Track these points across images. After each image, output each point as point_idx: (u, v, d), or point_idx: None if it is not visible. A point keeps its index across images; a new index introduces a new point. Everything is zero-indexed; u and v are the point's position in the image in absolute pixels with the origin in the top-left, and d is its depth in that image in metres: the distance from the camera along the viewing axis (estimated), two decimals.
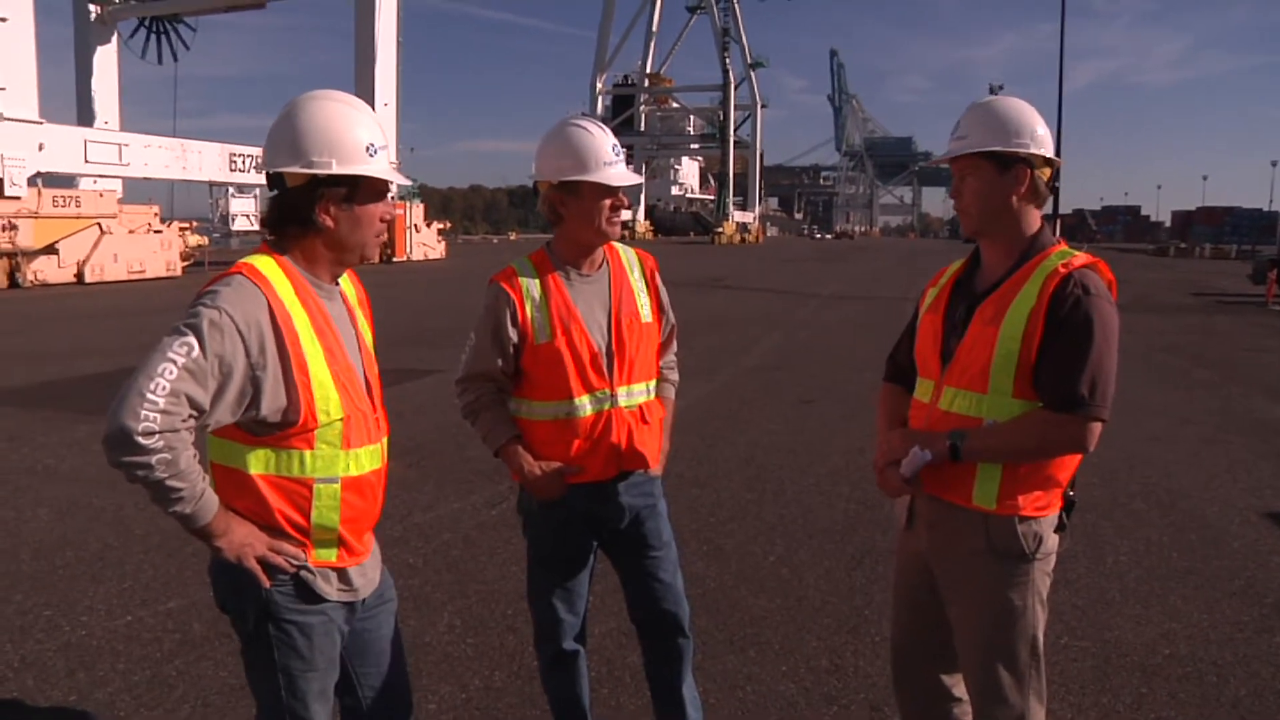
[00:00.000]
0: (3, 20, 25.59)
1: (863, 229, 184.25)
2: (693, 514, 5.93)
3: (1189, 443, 8.22)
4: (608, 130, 2.80)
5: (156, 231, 29.42)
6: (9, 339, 14.57)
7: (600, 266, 2.88)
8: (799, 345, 14.24)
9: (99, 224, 27.01)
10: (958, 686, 2.64)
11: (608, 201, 2.74)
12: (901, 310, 2.74)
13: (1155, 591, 4.80)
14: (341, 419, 2.09)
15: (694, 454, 7.38)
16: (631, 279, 2.93)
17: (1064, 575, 4.94)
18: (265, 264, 2.07)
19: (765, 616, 4.46)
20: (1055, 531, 2.43)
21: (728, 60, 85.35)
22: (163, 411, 1.87)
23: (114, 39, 38.92)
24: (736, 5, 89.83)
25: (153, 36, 42.04)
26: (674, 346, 3.12)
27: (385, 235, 2.26)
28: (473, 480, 6.64)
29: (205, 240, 37.30)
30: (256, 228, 42.90)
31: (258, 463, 2.05)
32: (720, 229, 79.92)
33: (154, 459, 1.88)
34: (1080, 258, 2.36)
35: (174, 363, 1.89)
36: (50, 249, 25.58)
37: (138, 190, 33.72)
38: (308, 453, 2.07)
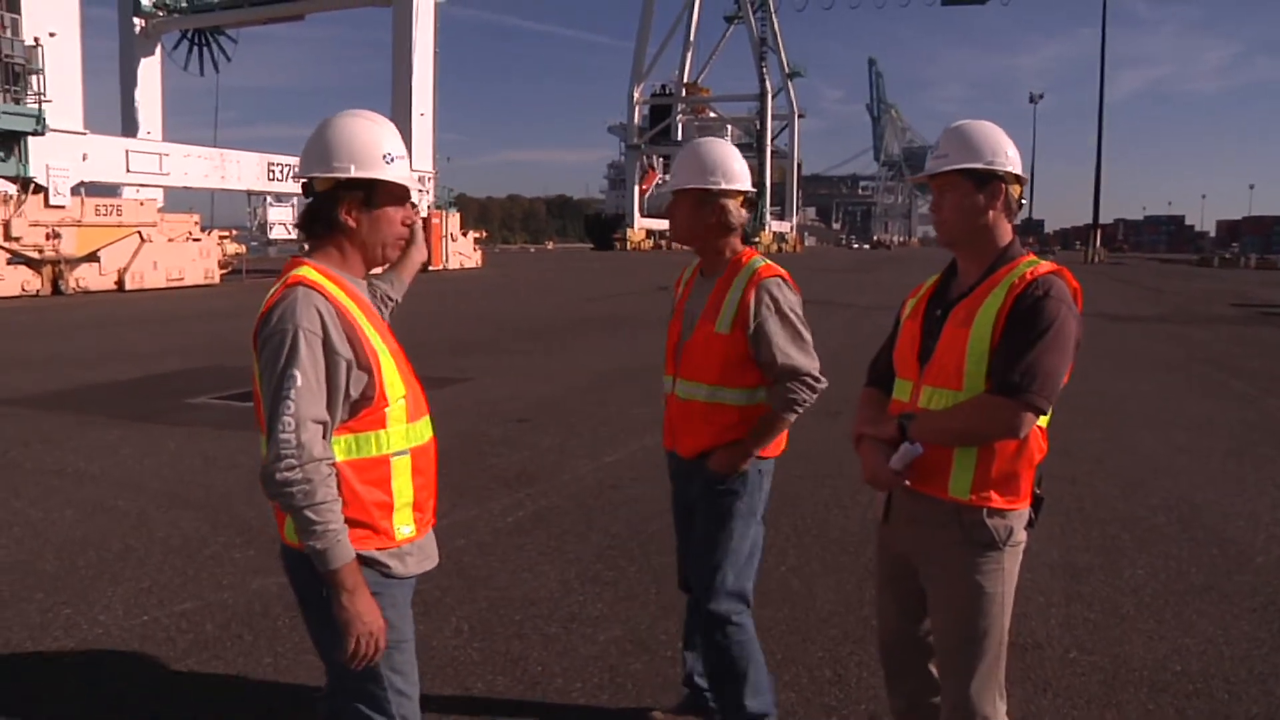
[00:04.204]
0: (51, 35, 26.17)
1: (901, 239, 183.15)
2: None
3: (1217, 456, 8.08)
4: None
5: (195, 240, 29.94)
6: (51, 344, 14.89)
7: (717, 272, 3.21)
8: (829, 355, 14.00)
9: (139, 232, 27.59)
10: None
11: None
12: None
13: (1171, 607, 4.73)
14: (404, 395, 2.31)
15: None
16: (731, 290, 3.12)
17: (1078, 589, 4.91)
18: (308, 271, 2.26)
19: (772, 626, 4.44)
20: (1025, 528, 2.57)
21: (765, 70, 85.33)
22: (297, 445, 2.08)
23: (157, 51, 39.86)
24: (774, 15, 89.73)
25: (195, 49, 43.02)
26: (789, 373, 3.11)
27: (406, 238, 2.46)
28: (491, 488, 6.68)
29: (243, 249, 37.79)
30: (294, 236, 43.48)
31: (340, 451, 2.21)
32: (758, 239, 79.81)
33: (295, 489, 2.08)
34: (1045, 266, 2.51)
35: (289, 398, 2.09)
36: (92, 257, 26.17)
37: (178, 199, 34.39)
38: (381, 432, 2.26)
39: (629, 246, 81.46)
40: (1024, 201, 2.63)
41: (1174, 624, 4.52)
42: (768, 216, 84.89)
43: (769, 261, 3.16)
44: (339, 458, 2.21)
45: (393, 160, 2.30)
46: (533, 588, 4.89)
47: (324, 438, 2.15)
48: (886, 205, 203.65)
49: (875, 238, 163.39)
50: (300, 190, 2.36)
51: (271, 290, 2.26)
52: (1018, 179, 2.57)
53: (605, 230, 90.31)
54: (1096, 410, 9.59)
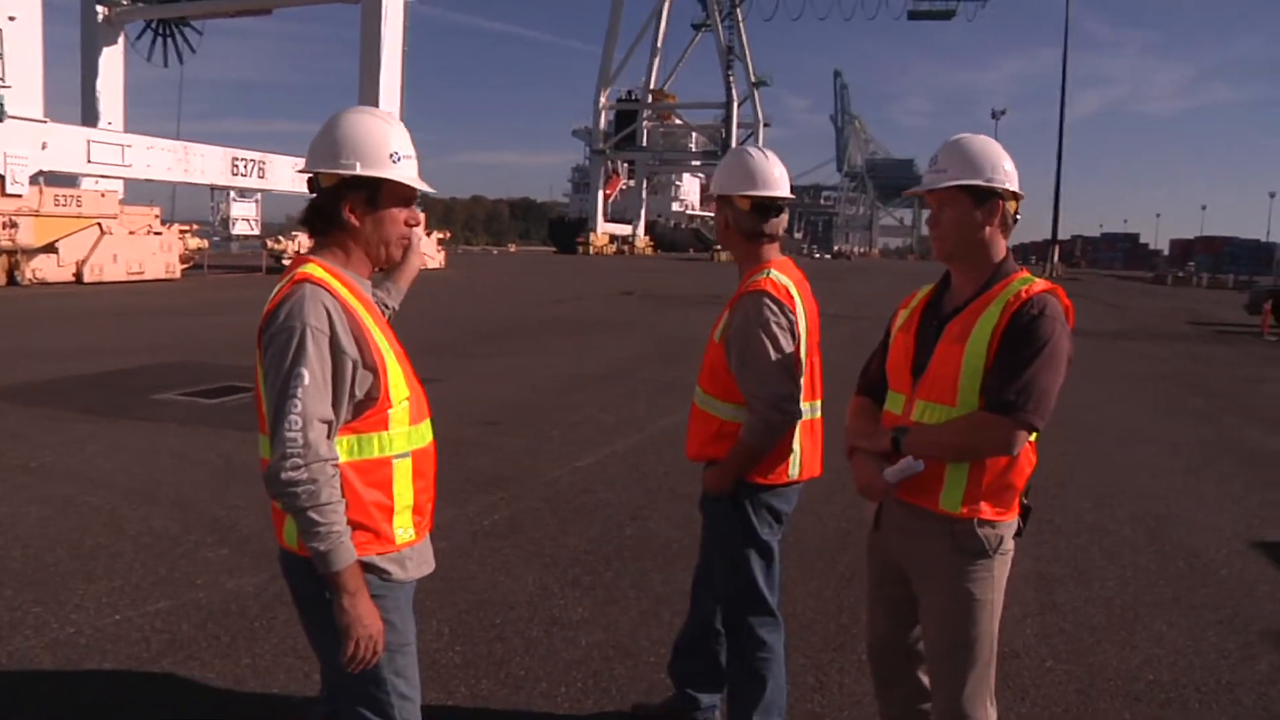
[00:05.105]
0: (10, 19, 25.71)
1: (862, 250, 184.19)
2: (683, 530, 5.93)
3: (1180, 471, 8.25)
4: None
5: (157, 233, 29.49)
6: (9, 336, 14.58)
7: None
8: None
9: (99, 224, 27.11)
10: None
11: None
12: None
13: (1141, 618, 4.82)
14: (408, 397, 2.29)
15: (686, 470, 7.38)
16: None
17: (1051, 600, 4.98)
18: (315, 269, 2.24)
19: None
20: (1014, 537, 2.63)
21: (731, 78, 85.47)
22: (304, 445, 2.06)
23: (120, 40, 39.20)
24: (741, 24, 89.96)
25: (159, 39, 42.39)
26: (750, 393, 3.06)
27: (409, 239, 2.43)
28: (465, 490, 6.65)
29: (205, 243, 37.33)
30: (256, 232, 42.99)
31: (342, 451, 2.19)
32: (720, 246, 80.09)
33: (300, 489, 2.06)
34: (1040, 284, 2.54)
35: (296, 397, 2.07)
36: (50, 248, 25.67)
37: (139, 191, 33.89)
38: (384, 433, 2.25)
39: (592, 250, 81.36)
40: (1018, 217, 2.65)
41: (1145, 635, 4.61)
42: None
43: (772, 275, 3.10)
44: (341, 459, 2.19)
45: (399, 160, 2.27)
46: (511, 591, 4.87)
47: (329, 437, 2.13)
48: (849, 216, 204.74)
49: (837, 248, 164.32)
50: (308, 188, 2.33)
51: (277, 287, 2.23)
52: (1014, 195, 2.60)
53: (569, 234, 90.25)
54: (1066, 424, 9.71)
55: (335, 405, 2.14)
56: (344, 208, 2.25)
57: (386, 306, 2.69)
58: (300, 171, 2.32)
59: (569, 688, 3.86)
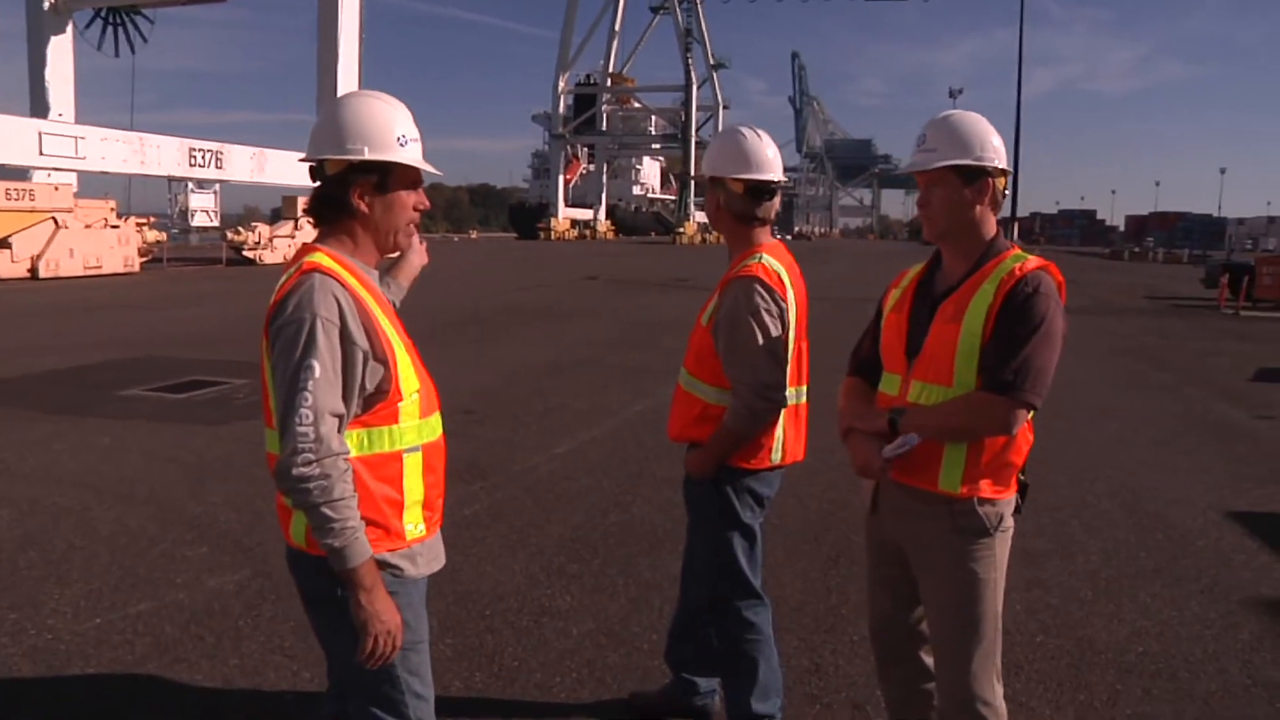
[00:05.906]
0: None
1: (823, 230, 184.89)
2: (666, 515, 5.92)
3: (1150, 445, 8.36)
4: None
5: (113, 227, 28.90)
6: None
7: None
8: None
9: (54, 218, 26.53)
10: None
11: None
12: (865, 312, 2.90)
13: (1126, 590, 4.88)
14: (418, 389, 2.24)
15: (665, 455, 7.37)
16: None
17: (1037, 575, 5.02)
18: (323, 258, 2.18)
19: None
20: (1013, 514, 2.63)
21: (690, 61, 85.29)
22: (315, 439, 2.01)
23: (69, 29, 38.21)
24: (699, 6, 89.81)
25: (109, 28, 41.35)
26: (736, 379, 3.03)
27: (418, 224, 2.38)
28: (447, 480, 6.58)
29: (164, 236, 36.71)
30: (216, 224, 42.35)
31: (352, 445, 2.14)
32: (681, 229, 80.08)
33: (312, 485, 2.01)
34: (1033, 261, 2.54)
35: (306, 390, 2.02)
36: (3, 243, 25.09)
37: (93, 184, 33.23)
38: (394, 427, 2.19)
39: (554, 236, 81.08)
40: (1007, 193, 2.64)
41: (1130, 607, 4.67)
42: (691, 207, 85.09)
43: (764, 260, 3.06)
44: (351, 453, 2.13)
45: (406, 143, 2.23)
46: (498, 581, 4.83)
47: (339, 431, 2.07)
48: (809, 197, 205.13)
49: (797, 229, 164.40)
50: (310, 177, 2.26)
51: (285, 277, 2.17)
52: (1003, 171, 2.59)
53: (529, 219, 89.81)
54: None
55: (345, 398, 2.09)
56: (353, 194, 2.20)
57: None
58: (303, 160, 2.25)
59: (564, 677, 3.83)
